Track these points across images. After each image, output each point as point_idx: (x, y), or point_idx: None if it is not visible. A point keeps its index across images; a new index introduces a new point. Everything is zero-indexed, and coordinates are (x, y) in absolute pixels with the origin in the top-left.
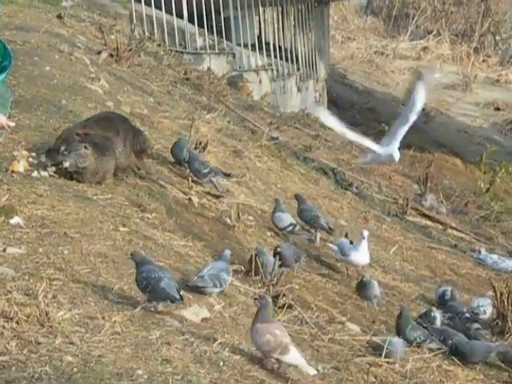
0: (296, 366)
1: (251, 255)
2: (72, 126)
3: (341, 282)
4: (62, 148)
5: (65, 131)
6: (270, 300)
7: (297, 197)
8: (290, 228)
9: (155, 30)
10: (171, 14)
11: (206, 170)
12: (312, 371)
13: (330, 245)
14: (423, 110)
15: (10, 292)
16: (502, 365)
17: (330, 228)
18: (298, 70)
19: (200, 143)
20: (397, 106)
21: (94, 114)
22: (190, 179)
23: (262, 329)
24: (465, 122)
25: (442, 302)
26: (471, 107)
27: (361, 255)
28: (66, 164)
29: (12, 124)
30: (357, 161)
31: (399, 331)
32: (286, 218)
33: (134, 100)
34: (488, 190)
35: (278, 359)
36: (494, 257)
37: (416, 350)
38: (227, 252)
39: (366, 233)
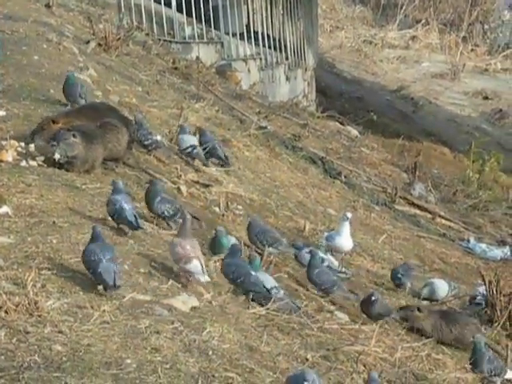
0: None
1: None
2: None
3: None
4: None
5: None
6: (189, 218)
7: (199, 129)
8: (190, 149)
9: (143, 20)
10: (159, 3)
11: (147, 142)
12: (204, 278)
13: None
14: (412, 99)
15: None
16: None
17: (226, 157)
18: (287, 59)
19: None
20: (385, 95)
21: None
22: (178, 168)
23: (176, 242)
24: (453, 111)
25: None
26: (460, 96)
27: (344, 240)
28: (57, 156)
29: (0, 113)
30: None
31: (147, 203)
32: (188, 140)
33: (122, 89)
34: (478, 179)
35: (182, 268)
36: (483, 246)
37: (405, 339)
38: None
39: (349, 214)
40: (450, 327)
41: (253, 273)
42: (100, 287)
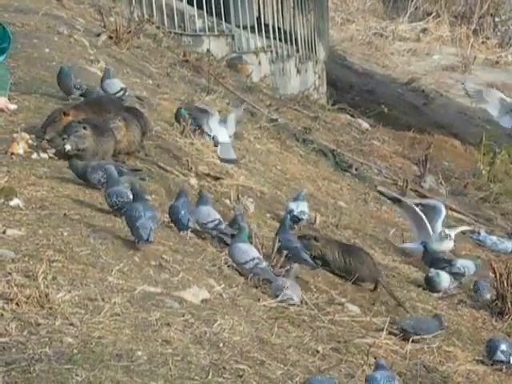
0: None
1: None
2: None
3: None
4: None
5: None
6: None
7: (104, 70)
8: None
9: (154, 12)
10: None
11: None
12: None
13: None
14: (423, 91)
15: (10, 274)
16: None
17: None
18: (298, 51)
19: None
20: (396, 87)
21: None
22: (189, 161)
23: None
24: (464, 103)
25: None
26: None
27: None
28: (68, 147)
29: (13, 107)
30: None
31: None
32: (117, 84)
33: (133, 82)
34: (489, 172)
35: None
36: (494, 238)
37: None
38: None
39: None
40: (347, 258)
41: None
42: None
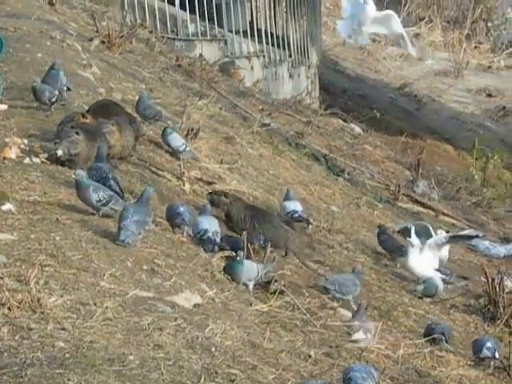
0: None
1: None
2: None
3: (333, 268)
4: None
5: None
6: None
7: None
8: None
9: (147, 17)
10: (163, 1)
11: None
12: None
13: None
14: (415, 96)
15: (2, 278)
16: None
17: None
18: (290, 56)
19: (192, 130)
20: (388, 92)
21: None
22: (181, 165)
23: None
24: (457, 108)
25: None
26: (463, 94)
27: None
28: (59, 152)
29: (3, 107)
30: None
31: None
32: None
33: (125, 87)
34: (482, 177)
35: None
36: (486, 243)
37: (408, 336)
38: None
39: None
40: (254, 221)
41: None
42: None
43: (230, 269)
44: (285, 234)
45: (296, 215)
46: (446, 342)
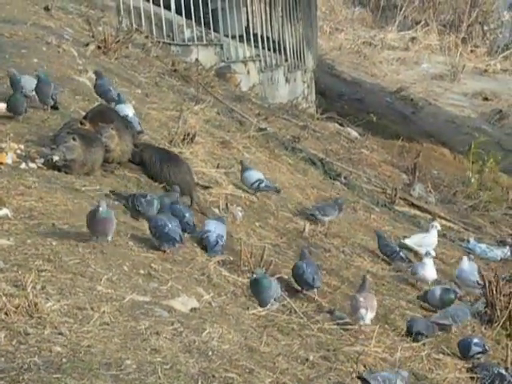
0: None
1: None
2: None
3: (330, 272)
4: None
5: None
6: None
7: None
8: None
9: (143, 22)
10: (159, 6)
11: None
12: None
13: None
14: (411, 100)
15: None
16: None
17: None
18: (286, 60)
19: (188, 134)
20: (385, 96)
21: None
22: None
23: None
24: (453, 112)
25: None
26: (459, 97)
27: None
28: (55, 158)
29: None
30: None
31: None
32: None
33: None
34: (478, 180)
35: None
36: (483, 246)
37: (405, 339)
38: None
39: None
40: (164, 165)
41: None
42: None
43: (258, 287)
44: (191, 183)
45: (263, 185)
46: (427, 337)
